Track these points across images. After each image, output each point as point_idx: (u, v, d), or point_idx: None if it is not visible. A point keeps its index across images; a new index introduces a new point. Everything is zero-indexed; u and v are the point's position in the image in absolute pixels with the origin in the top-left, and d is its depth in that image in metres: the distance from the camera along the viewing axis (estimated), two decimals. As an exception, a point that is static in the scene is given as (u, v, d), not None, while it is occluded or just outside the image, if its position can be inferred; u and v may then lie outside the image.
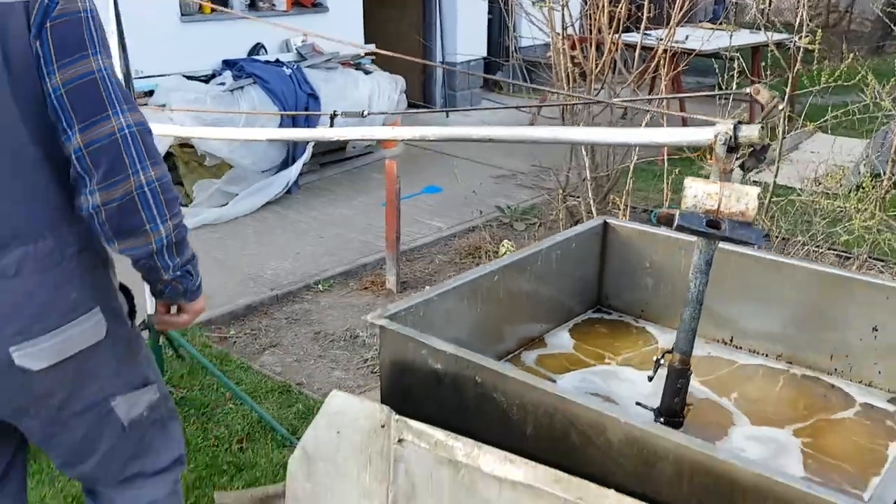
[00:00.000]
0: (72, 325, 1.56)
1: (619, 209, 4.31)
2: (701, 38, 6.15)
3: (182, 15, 6.43)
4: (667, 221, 1.53)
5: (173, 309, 1.78)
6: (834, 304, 1.91)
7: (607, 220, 2.25)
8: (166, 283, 1.63)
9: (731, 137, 1.47)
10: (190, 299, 1.70)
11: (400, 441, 1.51)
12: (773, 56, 4.46)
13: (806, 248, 4.39)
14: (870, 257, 4.64)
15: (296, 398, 3.57)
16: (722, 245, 2.16)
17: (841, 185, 4.07)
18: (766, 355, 2.01)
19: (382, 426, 1.53)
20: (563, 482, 1.29)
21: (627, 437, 1.31)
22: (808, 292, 1.94)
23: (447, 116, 9.18)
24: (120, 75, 2.85)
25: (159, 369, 3.37)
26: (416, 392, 1.58)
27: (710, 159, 1.51)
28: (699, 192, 1.48)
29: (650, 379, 1.75)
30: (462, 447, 1.41)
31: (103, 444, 1.68)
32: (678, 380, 1.67)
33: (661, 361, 1.70)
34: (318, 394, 3.68)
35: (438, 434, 1.44)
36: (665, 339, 2.10)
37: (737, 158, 1.50)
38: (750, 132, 1.46)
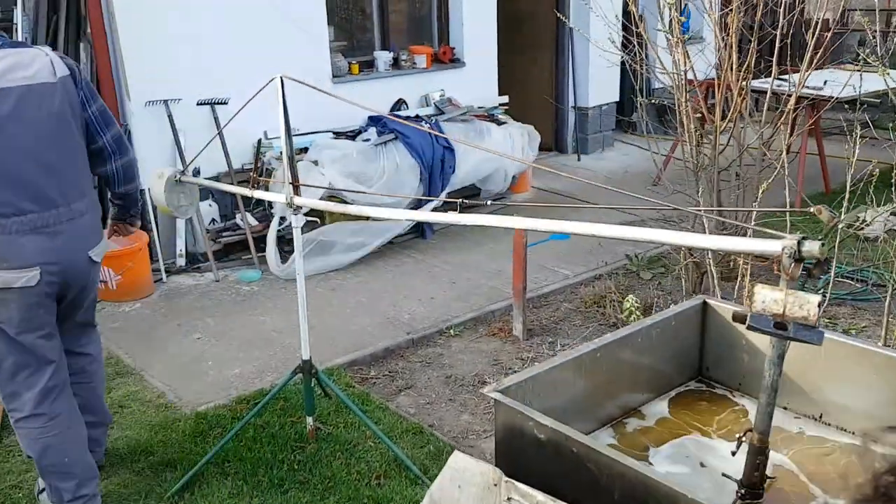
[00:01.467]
0: (101, 238, 3.22)
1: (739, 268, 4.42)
2: (842, 82, 6.01)
3: (333, 76, 7.08)
4: (740, 320, 1.78)
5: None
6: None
7: (706, 300, 2.48)
8: (136, 206, 3.52)
9: (795, 251, 1.70)
10: (138, 216, 3.63)
11: (508, 500, 1.82)
12: None
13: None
14: None
15: (427, 439, 3.94)
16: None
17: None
18: (852, 432, 2.18)
19: (495, 485, 1.86)
20: (639, 544, 1.57)
21: (695, 510, 1.56)
22: (891, 377, 2.10)
23: (579, 160, 9.44)
24: (282, 136, 3.35)
25: (311, 412, 3.85)
26: (524, 457, 1.89)
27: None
28: (767, 298, 1.72)
29: (733, 454, 1.98)
30: (557, 508, 1.71)
31: (94, 293, 3.32)
32: (757, 456, 1.89)
33: (744, 439, 1.93)
34: (448, 436, 4.04)
35: (539, 496, 1.74)
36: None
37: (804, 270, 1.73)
38: (812, 247, 1.68)
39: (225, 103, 6.31)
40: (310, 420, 3.90)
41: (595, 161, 9.39)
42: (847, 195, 4.12)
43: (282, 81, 3.37)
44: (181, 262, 6.29)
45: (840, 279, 5.50)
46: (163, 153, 6.17)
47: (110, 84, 6.00)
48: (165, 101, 6.15)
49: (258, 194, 3.81)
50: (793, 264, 1.73)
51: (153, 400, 4.40)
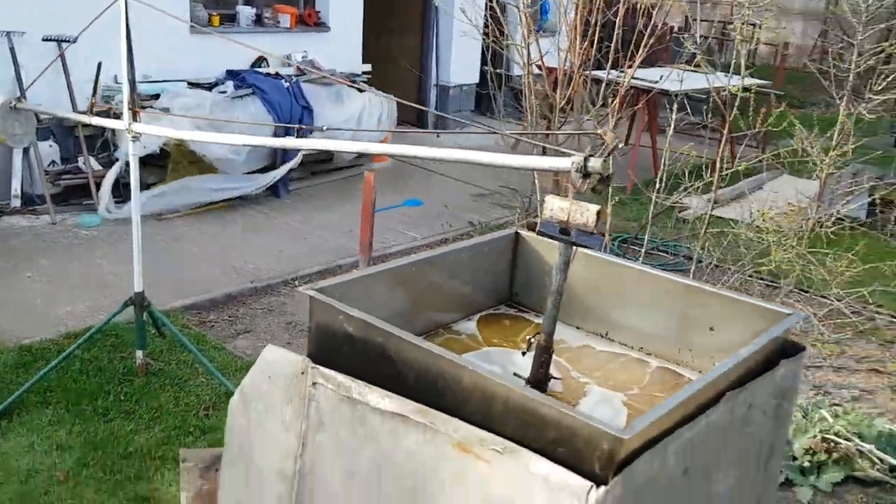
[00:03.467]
0: None
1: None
2: (678, 79, 6.49)
3: (192, 27, 6.92)
4: (532, 227, 1.99)
5: None
6: (682, 307, 2.35)
7: (518, 231, 2.70)
8: None
9: (582, 167, 1.92)
10: None
11: (314, 384, 1.94)
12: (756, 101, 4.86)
13: (736, 275, 4.85)
14: (796, 288, 5.10)
15: (261, 376, 4.00)
16: (605, 257, 2.62)
17: (769, 220, 4.51)
18: (632, 347, 2.46)
19: (302, 373, 1.98)
20: (424, 412, 1.73)
21: (475, 384, 1.75)
22: (665, 298, 2.39)
23: (438, 136, 9.66)
24: (125, 85, 3.33)
25: (142, 345, 3.82)
26: (336, 354, 2.02)
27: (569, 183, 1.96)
28: (554, 207, 1.93)
29: (524, 354, 2.20)
30: (356, 388, 1.85)
31: None
32: (543, 355, 2.11)
33: (532, 341, 2.15)
34: (282, 374, 4.11)
35: (340, 377, 1.88)
36: (561, 331, 2.53)
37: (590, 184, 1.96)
38: (596, 163, 1.91)
39: (73, 41, 6.04)
40: (140, 354, 3.87)
41: (453, 138, 9.66)
42: (662, 181, 4.59)
43: (126, 4, 3.32)
44: (16, 202, 5.99)
45: (656, 252, 5.99)
46: (3, 87, 5.84)
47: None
48: (7, 33, 5.83)
49: (96, 120, 3.74)
50: (580, 179, 1.96)
51: (-27, 333, 4.22)
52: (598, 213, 1.92)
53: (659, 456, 1.64)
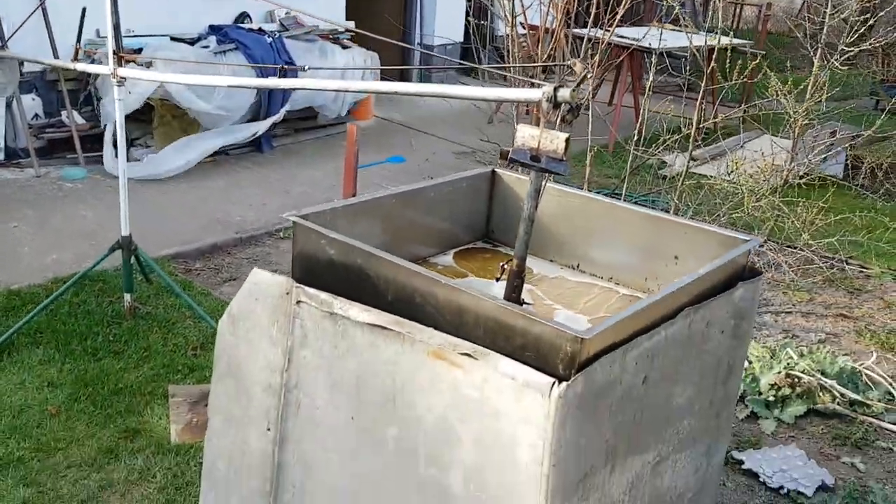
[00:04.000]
0: None
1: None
2: (659, 38, 6.54)
3: (174, -19, 6.91)
4: (504, 156, 2.09)
5: None
6: (649, 239, 2.47)
7: (495, 169, 2.81)
8: None
9: (552, 96, 2.02)
10: None
11: (298, 303, 2.05)
12: (733, 60, 4.96)
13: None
14: (770, 238, 5.25)
15: (247, 319, 4.11)
16: (577, 192, 2.73)
17: (744, 175, 4.64)
18: (602, 277, 2.58)
19: (287, 293, 2.08)
20: (401, 323, 1.84)
21: (449, 297, 1.86)
22: (632, 230, 2.51)
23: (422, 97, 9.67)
24: (109, 29, 3.38)
25: (129, 288, 3.91)
26: (317, 271, 2.12)
27: (538, 113, 2.06)
28: (525, 135, 2.03)
29: (497, 280, 2.32)
30: (338, 303, 1.95)
31: None
32: (515, 279, 2.22)
33: (506, 266, 2.26)
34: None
35: (323, 295, 1.99)
36: (536, 264, 2.64)
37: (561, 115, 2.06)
38: (564, 93, 2.01)
39: (53, -8, 6.03)
40: (128, 297, 3.96)
41: (438, 99, 9.68)
42: (642, 135, 4.70)
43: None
44: (0, 156, 6.01)
45: (634, 205, 6.11)
46: (-19, 38, 5.83)
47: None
48: (-15, -18, 5.80)
49: (81, 66, 3.78)
50: (550, 109, 2.05)
51: (-39, 279, 4.29)
52: (567, 140, 2.02)
53: (619, 361, 1.77)
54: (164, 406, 3.36)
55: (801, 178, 4.95)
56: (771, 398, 3.63)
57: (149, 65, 6.05)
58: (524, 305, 2.32)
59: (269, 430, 2.14)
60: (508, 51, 5.81)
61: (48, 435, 3.14)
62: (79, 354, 3.66)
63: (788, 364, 3.75)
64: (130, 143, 6.29)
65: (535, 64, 4.93)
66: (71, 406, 3.32)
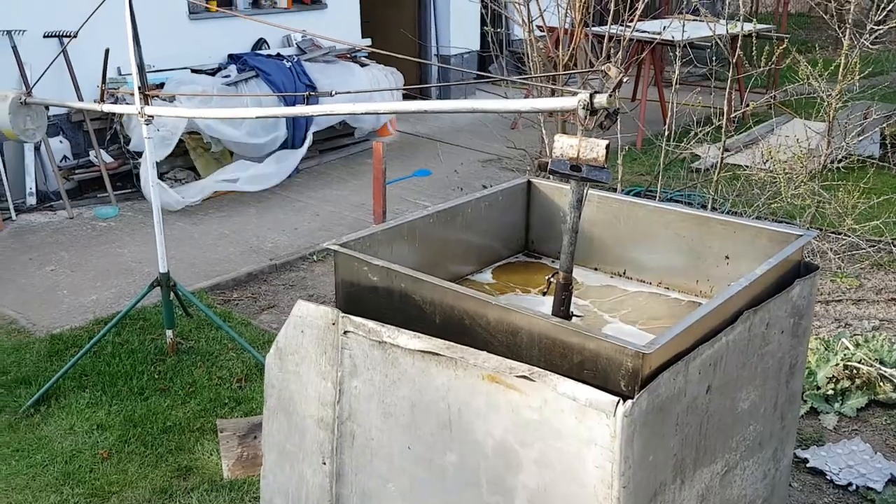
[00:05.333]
0: None
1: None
2: (681, 30, 6.42)
3: (190, 13, 6.96)
4: (543, 167, 2.03)
5: None
6: (697, 239, 2.40)
7: (531, 180, 2.75)
8: None
9: (588, 103, 1.97)
10: None
11: (345, 333, 2.01)
12: (758, 47, 4.85)
13: (749, 218, 4.87)
14: (812, 226, 5.12)
15: (288, 347, 4.09)
16: (618, 197, 2.67)
17: (779, 163, 4.53)
18: (650, 283, 2.51)
19: (333, 323, 2.04)
20: (452, 348, 1.80)
21: (500, 318, 1.81)
22: (679, 232, 2.44)
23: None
24: (134, 69, 3.39)
25: (171, 324, 3.91)
26: (361, 298, 2.09)
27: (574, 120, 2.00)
28: (564, 145, 1.98)
29: (544, 294, 2.26)
30: (386, 331, 1.91)
31: None
32: (563, 292, 2.17)
33: (552, 280, 2.20)
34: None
35: (370, 324, 1.95)
36: (580, 274, 2.58)
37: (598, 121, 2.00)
38: (601, 99, 1.95)
39: (74, 36, 6.09)
40: (169, 333, 3.96)
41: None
42: (671, 130, 4.60)
43: (128, -13, 3.37)
44: (32, 200, 6.08)
45: (671, 203, 6.01)
46: (8, 86, 5.91)
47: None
48: (8, 32, 5.89)
49: (107, 107, 3.80)
50: (587, 116, 2.00)
51: (4, 327, 4.32)
52: (607, 147, 1.96)
53: (682, 372, 1.70)
54: (213, 441, 3.34)
55: (839, 161, 4.83)
56: (830, 392, 3.52)
57: (172, 99, 6.09)
58: (574, 319, 2.26)
59: (324, 463, 2.10)
60: (527, 55, 5.77)
61: (101, 479, 3.13)
62: (125, 395, 3.66)
63: (845, 355, 3.63)
64: (160, 178, 6.33)
65: (560, 73, 4.87)
66: (121, 448, 3.31)
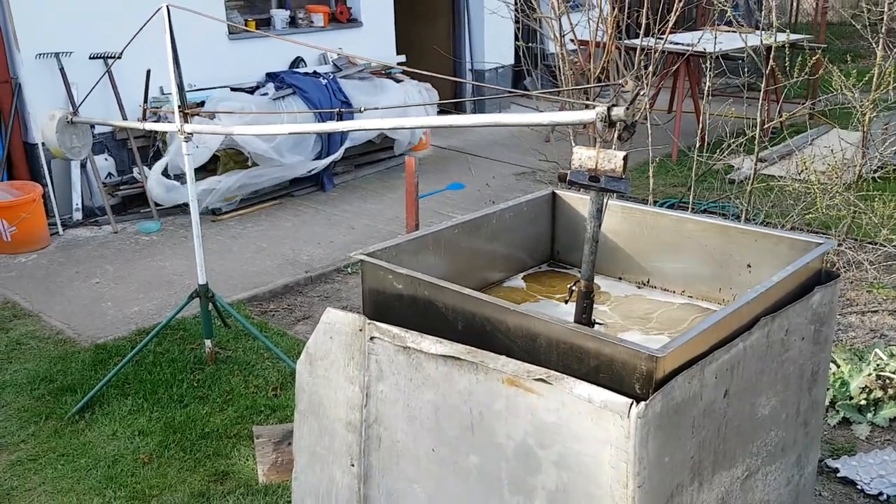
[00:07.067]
0: None
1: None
2: (714, 42, 6.40)
3: (230, 34, 7.16)
4: (563, 179, 2.09)
5: None
6: (719, 249, 2.43)
7: (555, 191, 2.81)
8: None
9: (606, 116, 2.02)
10: None
11: (372, 339, 2.09)
12: (793, 57, 4.83)
13: (783, 229, 4.86)
14: (847, 236, 5.07)
15: (322, 357, 4.18)
16: (640, 207, 2.71)
17: (816, 173, 4.51)
18: (674, 292, 2.55)
19: (360, 329, 2.12)
20: (473, 353, 1.86)
21: (519, 323, 1.87)
22: (700, 240, 2.47)
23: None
24: (174, 88, 3.53)
25: (209, 334, 4.03)
26: (387, 305, 2.16)
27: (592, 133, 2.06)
28: (583, 156, 2.03)
29: (566, 302, 2.31)
30: (410, 337, 1.98)
31: None
32: (584, 300, 2.21)
33: (574, 288, 2.25)
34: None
35: (395, 329, 2.02)
36: (604, 283, 2.63)
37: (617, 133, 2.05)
38: (619, 112, 2.01)
39: (118, 57, 6.32)
40: (208, 343, 4.08)
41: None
42: (705, 141, 4.59)
43: (168, 10, 3.51)
44: (78, 215, 6.29)
45: (705, 214, 6.00)
46: (56, 105, 6.14)
47: (-2, 35, 5.95)
48: (56, 54, 6.13)
49: (149, 126, 3.95)
50: (605, 128, 2.06)
51: (51, 337, 4.48)
52: (624, 158, 2.02)
53: (697, 376, 1.74)
54: (249, 447, 3.43)
55: (875, 171, 4.79)
56: (863, 402, 3.49)
57: (212, 116, 6.27)
58: (596, 326, 2.31)
59: (352, 465, 2.18)
60: (559, 69, 5.83)
61: (142, 483, 3.24)
62: (166, 402, 3.78)
63: (878, 365, 3.61)
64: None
65: (587, 86, 4.92)
66: (161, 453, 3.43)
